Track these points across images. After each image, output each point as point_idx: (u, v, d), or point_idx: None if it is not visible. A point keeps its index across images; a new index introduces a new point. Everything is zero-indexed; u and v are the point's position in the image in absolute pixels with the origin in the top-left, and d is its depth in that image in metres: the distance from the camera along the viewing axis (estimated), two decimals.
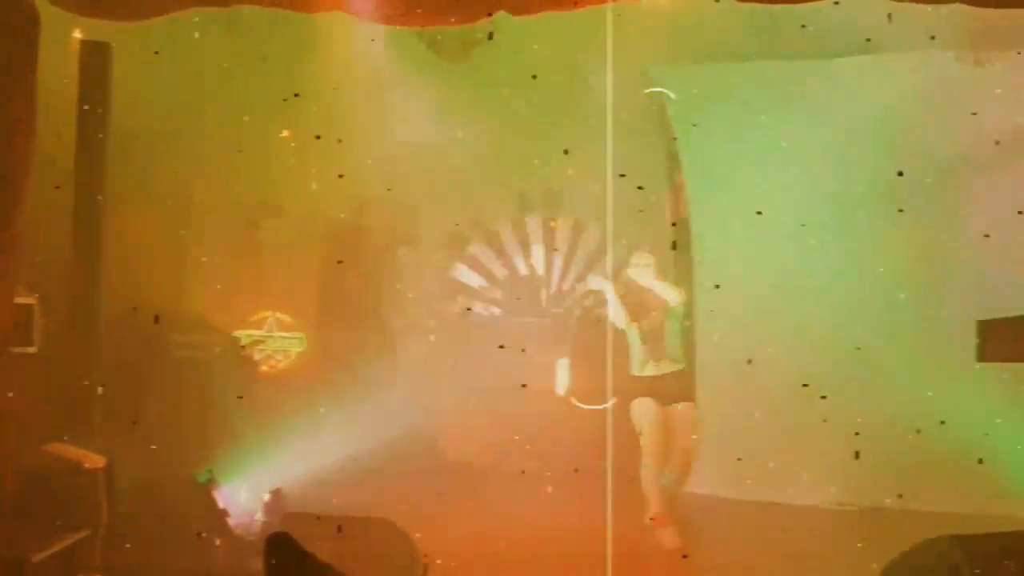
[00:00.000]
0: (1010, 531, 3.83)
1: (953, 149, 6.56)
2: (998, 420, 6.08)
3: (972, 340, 4.15)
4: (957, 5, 4.45)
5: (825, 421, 6.42)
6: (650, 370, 5.66)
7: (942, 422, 5.43)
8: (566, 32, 6.19)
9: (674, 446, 5.60)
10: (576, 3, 4.58)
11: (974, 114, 6.17)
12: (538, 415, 7.43)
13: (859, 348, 6.46)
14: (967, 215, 6.52)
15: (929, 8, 4.60)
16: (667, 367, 5.66)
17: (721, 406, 7.06)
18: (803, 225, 6.69)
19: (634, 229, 7.00)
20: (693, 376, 6.17)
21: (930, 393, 6.00)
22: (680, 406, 5.64)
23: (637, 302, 5.69)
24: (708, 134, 7.10)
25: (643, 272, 5.65)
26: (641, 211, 5.94)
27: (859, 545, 5.22)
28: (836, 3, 4.84)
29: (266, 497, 5.26)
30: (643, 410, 5.61)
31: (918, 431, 5.81)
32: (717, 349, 7.17)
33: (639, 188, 5.77)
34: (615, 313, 5.65)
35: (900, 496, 6.23)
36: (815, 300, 6.73)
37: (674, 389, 5.64)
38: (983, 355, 4.11)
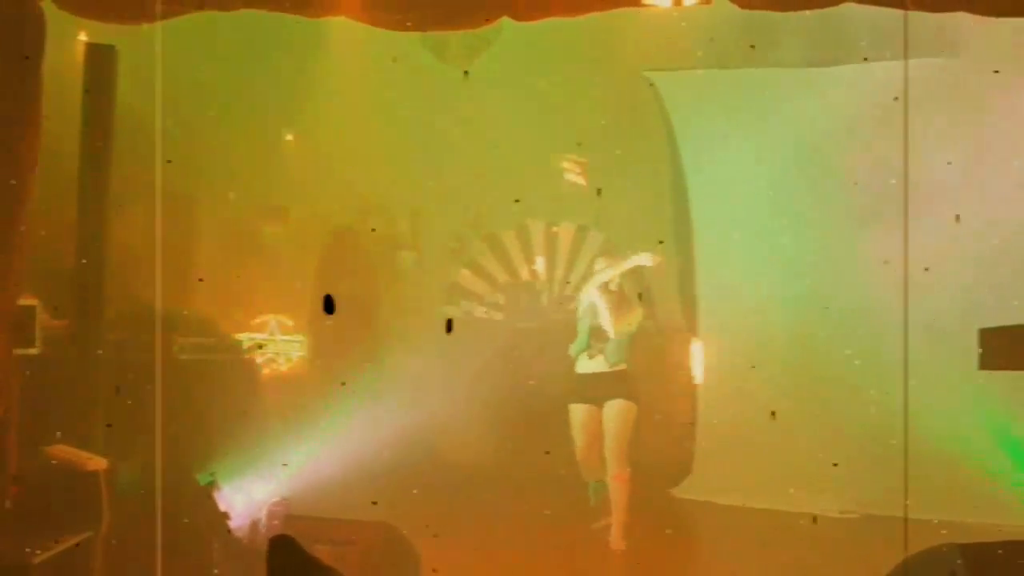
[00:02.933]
0: (1011, 540, 3.83)
1: (954, 154, 6.57)
2: (998, 428, 6.08)
3: (974, 347, 4.16)
4: (962, 13, 4.45)
5: (825, 428, 6.45)
6: (593, 367, 5.87)
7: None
8: (569, 38, 6.20)
9: (607, 446, 5.81)
10: (580, 10, 4.59)
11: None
12: (540, 420, 7.42)
13: (860, 356, 6.46)
14: (968, 218, 6.51)
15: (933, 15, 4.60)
16: (604, 366, 5.86)
17: (720, 413, 7.07)
18: (801, 233, 6.71)
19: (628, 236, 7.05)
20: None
21: (930, 400, 6.00)
22: (617, 402, 5.81)
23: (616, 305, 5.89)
24: (709, 140, 7.11)
25: (603, 276, 5.91)
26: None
27: (859, 553, 5.22)
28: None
29: (272, 503, 5.26)
30: (576, 418, 5.90)
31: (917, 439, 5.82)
32: (717, 356, 7.18)
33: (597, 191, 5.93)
34: (605, 320, 5.86)
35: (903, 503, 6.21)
36: (815, 307, 6.74)
37: (615, 386, 5.83)
38: (985, 363, 4.12)
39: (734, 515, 6.64)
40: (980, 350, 4.14)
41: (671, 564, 5.70)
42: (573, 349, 5.94)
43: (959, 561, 3.62)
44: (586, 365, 5.91)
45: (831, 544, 5.82)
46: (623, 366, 5.89)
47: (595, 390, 5.87)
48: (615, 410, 5.83)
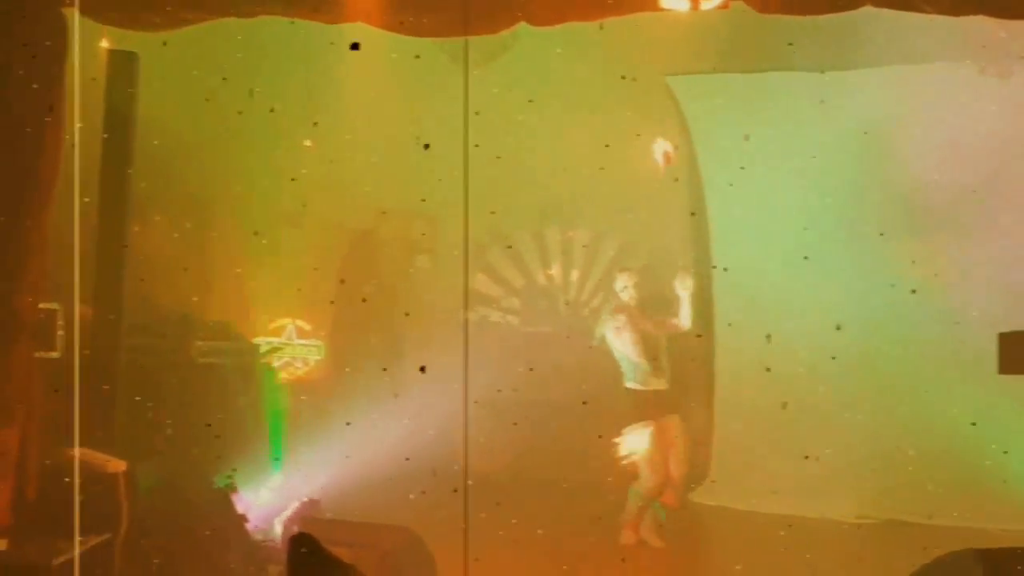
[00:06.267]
0: None
1: (972, 159, 6.53)
2: (1018, 433, 6.03)
3: (994, 351, 4.14)
4: (981, 16, 4.43)
5: (845, 433, 6.41)
6: (653, 384, 5.84)
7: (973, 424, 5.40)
8: (587, 43, 6.21)
9: (671, 469, 5.82)
10: (598, 14, 4.60)
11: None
12: (553, 424, 7.43)
13: (878, 361, 6.43)
14: (987, 223, 6.47)
15: (952, 19, 4.58)
16: (664, 383, 5.86)
17: (738, 418, 7.04)
18: (820, 238, 6.69)
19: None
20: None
21: (952, 406, 5.97)
22: (670, 418, 5.85)
23: (642, 324, 5.90)
24: (727, 145, 7.10)
25: (630, 292, 5.93)
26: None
27: (877, 559, 5.19)
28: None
29: (296, 505, 5.29)
30: (642, 442, 5.76)
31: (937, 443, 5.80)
32: (734, 362, 7.16)
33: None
34: (631, 352, 5.84)
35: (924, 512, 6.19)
36: (834, 311, 6.70)
37: (666, 402, 5.86)
38: (1005, 367, 4.09)
39: (751, 520, 6.60)
40: (999, 354, 4.10)
41: (688, 569, 5.69)
42: (635, 377, 5.86)
43: (981, 568, 3.59)
44: (648, 383, 5.84)
45: (849, 550, 5.78)
46: (667, 384, 5.89)
47: (652, 406, 5.82)
48: (673, 429, 5.83)
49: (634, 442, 5.79)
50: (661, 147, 6.26)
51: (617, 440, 5.86)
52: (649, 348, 5.84)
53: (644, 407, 5.81)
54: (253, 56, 6.55)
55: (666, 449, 5.79)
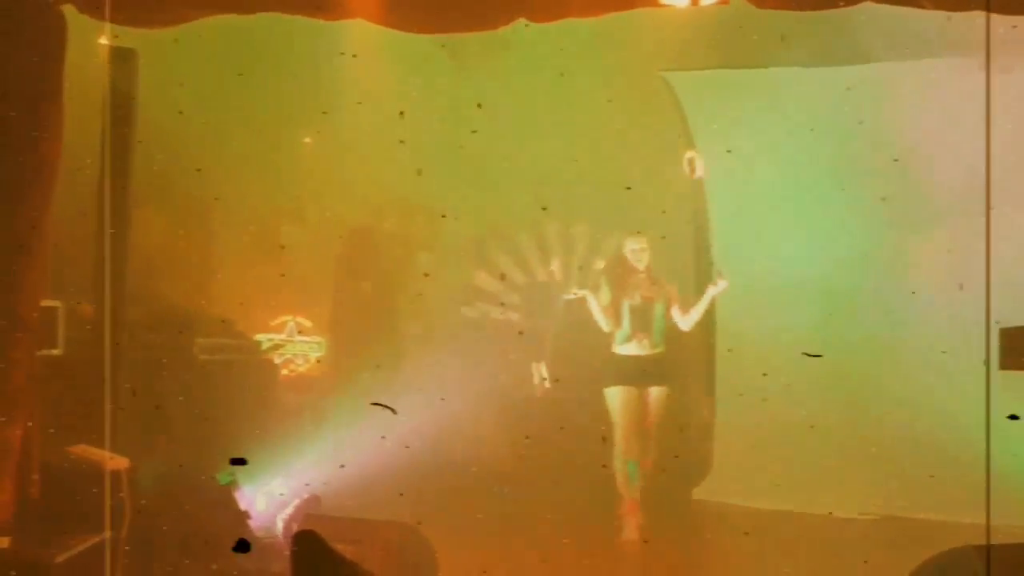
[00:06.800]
0: None
1: (973, 156, 6.52)
2: (1020, 429, 6.02)
3: (994, 347, 4.13)
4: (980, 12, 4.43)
5: (844, 428, 6.41)
6: (632, 349, 5.84)
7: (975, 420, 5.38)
8: (587, 39, 6.20)
9: (647, 434, 5.90)
10: (597, 10, 4.60)
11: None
12: (554, 419, 7.42)
13: (879, 354, 6.44)
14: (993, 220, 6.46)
15: (950, 15, 4.58)
16: (649, 348, 5.87)
17: (737, 412, 7.05)
18: (821, 233, 6.69)
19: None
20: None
21: (953, 401, 5.96)
22: (655, 390, 5.90)
23: (632, 282, 5.95)
24: (726, 141, 7.10)
25: (638, 255, 5.96)
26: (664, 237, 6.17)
27: (879, 555, 5.20)
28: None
29: (299, 502, 5.29)
30: (617, 399, 5.88)
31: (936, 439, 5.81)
32: (734, 353, 7.16)
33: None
34: (599, 318, 5.95)
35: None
36: (836, 307, 6.70)
37: (652, 372, 5.89)
38: (1005, 363, 4.09)
39: (749, 516, 6.60)
40: (1000, 350, 4.10)
41: (690, 566, 5.69)
42: (618, 339, 5.92)
43: (982, 564, 3.60)
44: (626, 347, 5.90)
45: (850, 545, 5.79)
46: (662, 349, 5.92)
47: (635, 373, 5.88)
48: (658, 397, 5.89)
49: (609, 404, 5.90)
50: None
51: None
52: (637, 309, 5.87)
53: (621, 372, 5.89)
54: (253, 53, 6.55)
55: (635, 413, 5.86)
